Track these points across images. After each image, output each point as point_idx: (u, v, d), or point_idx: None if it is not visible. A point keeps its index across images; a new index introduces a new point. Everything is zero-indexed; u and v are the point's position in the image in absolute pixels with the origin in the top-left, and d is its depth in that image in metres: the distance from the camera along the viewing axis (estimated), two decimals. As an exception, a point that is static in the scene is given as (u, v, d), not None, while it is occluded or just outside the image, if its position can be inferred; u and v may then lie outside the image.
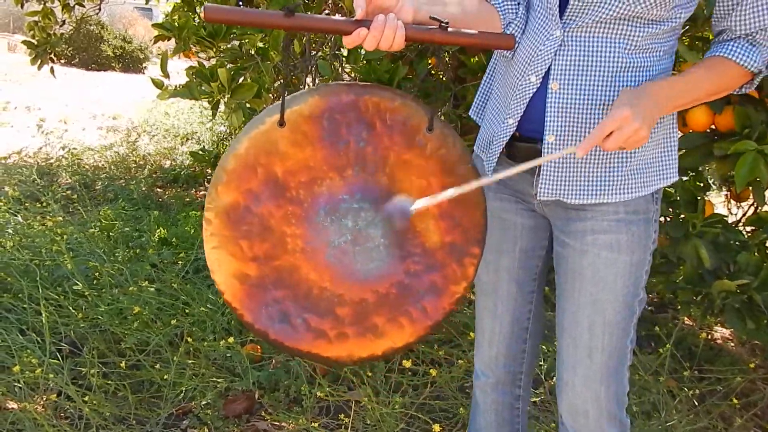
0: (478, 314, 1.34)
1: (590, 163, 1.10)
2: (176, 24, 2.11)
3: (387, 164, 0.98)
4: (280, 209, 0.96)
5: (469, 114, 1.32)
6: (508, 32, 1.14)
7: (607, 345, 1.14)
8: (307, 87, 2.57)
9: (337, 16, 0.95)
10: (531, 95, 1.10)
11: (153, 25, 2.02)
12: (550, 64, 1.08)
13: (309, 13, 2.17)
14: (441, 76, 2.70)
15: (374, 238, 0.99)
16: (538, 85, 1.09)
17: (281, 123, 0.94)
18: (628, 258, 1.12)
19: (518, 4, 1.17)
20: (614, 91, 1.06)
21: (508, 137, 1.14)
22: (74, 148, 4.88)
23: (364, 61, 2.08)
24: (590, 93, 1.06)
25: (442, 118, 2.63)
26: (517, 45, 1.13)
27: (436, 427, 1.60)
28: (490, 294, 1.29)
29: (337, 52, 2.39)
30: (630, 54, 1.06)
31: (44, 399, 1.76)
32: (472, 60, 2.54)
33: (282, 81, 2.37)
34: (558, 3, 1.08)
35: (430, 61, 2.51)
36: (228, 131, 5.60)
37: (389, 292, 1.02)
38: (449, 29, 0.95)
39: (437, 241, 1.02)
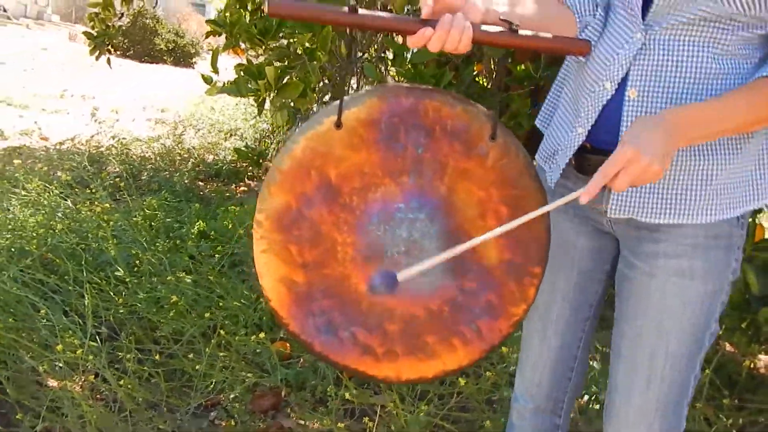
0: (526, 335, 1.26)
1: (670, 178, 1.00)
2: (228, 21, 2.15)
3: (445, 172, 0.93)
4: (333, 215, 0.92)
5: (536, 123, 1.25)
6: (584, 36, 1.06)
7: (668, 375, 1.06)
8: (353, 89, 2.59)
9: (401, 15, 0.92)
10: (605, 103, 1.02)
11: (206, 21, 2.07)
12: (629, 70, 0.99)
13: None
14: (486, 84, 2.68)
15: (429, 250, 0.93)
16: (613, 93, 1.01)
17: (338, 124, 0.90)
18: (701, 287, 1.03)
19: (596, 5, 1.08)
20: (700, 100, 0.97)
21: (575, 148, 1.06)
22: (123, 138, 5.02)
23: (410, 65, 2.08)
24: (673, 102, 0.97)
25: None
26: (592, 49, 1.05)
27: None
28: (541, 315, 1.21)
29: (382, 55, 2.39)
30: (719, 60, 0.97)
31: (83, 380, 1.81)
32: (518, 68, 2.51)
33: (336, 81, 2.39)
34: (641, 3, 0.99)
35: (475, 68, 2.49)
36: (271, 129, 5.68)
37: (442, 310, 0.96)
38: (519, 32, 0.89)
39: (495, 257, 0.96)
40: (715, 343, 2.66)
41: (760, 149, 1.05)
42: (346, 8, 0.85)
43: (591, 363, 2.25)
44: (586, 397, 2.10)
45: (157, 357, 1.93)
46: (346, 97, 0.92)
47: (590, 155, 1.06)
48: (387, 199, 0.92)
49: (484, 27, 0.89)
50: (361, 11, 0.86)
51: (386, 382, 1.01)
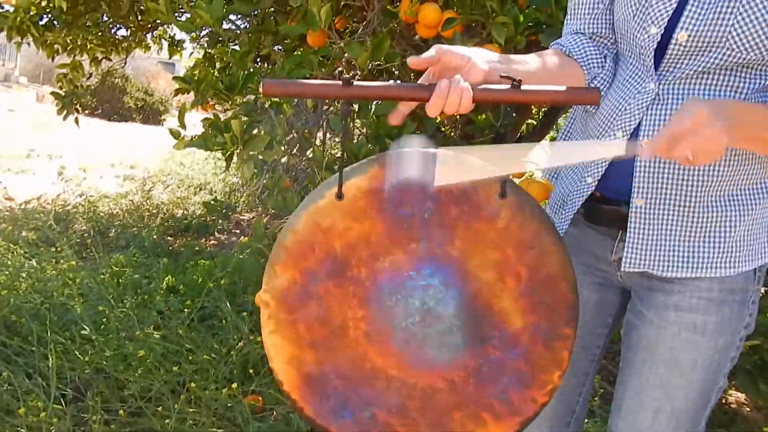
0: None
1: (687, 229, 0.97)
2: (196, 78, 2.20)
3: (456, 236, 0.88)
4: (340, 289, 0.89)
5: (542, 173, 1.24)
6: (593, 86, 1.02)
7: None
8: (319, 140, 2.63)
9: (399, 82, 0.90)
10: None
11: (174, 78, 2.11)
12: (641, 120, 0.96)
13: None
14: (450, 133, 2.76)
15: (445, 318, 0.89)
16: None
17: (339, 196, 0.88)
18: (712, 343, 0.99)
19: (605, 57, 1.05)
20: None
21: (585, 197, 1.03)
22: (91, 196, 4.98)
23: (374, 116, 2.15)
24: None
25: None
26: (602, 99, 1.03)
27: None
28: None
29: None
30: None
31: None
32: (479, 118, 2.60)
33: (298, 141, 2.44)
34: (653, 53, 0.96)
35: (438, 118, 2.58)
36: (240, 182, 5.70)
37: (467, 382, 0.90)
38: (523, 87, 0.86)
39: (519, 322, 0.90)
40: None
41: None
42: (340, 82, 0.84)
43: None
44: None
45: (123, 416, 1.88)
46: (347, 168, 0.90)
47: (602, 205, 1.03)
48: (396, 268, 0.89)
49: (485, 86, 0.87)
50: (355, 84, 0.85)
51: None
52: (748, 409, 2.64)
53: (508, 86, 0.86)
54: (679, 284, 1.00)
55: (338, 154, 3.08)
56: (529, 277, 0.89)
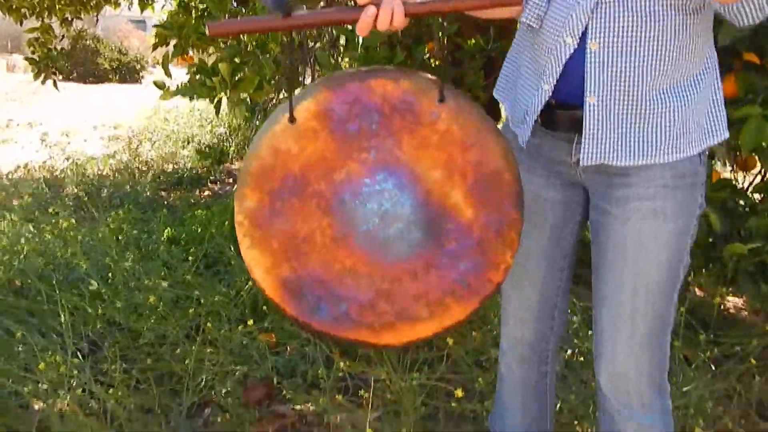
0: (505, 291, 1.31)
1: (636, 121, 1.05)
2: (176, 24, 2.14)
3: (403, 142, 0.97)
4: (304, 203, 0.98)
5: (494, 95, 1.28)
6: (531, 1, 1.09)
7: (650, 311, 1.11)
8: (308, 78, 2.59)
9: (336, 7, 0.96)
10: (568, 57, 1.05)
11: (154, 26, 2.05)
12: (587, 24, 1.03)
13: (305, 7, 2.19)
14: (437, 61, 2.72)
15: (402, 217, 0.98)
16: (575, 47, 1.04)
17: (291, 120, 0.96)
18: (672, 225, 1.08)
19: None
20: (660, 47, 1.01)
21: (542, 104, 1.10)
22: (78, 159, 4.91)
23: (362, 49, 2.10)
24: (634, 50, 1.01)
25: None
26: (547, 8, 1.08)
27: (459, 392, 1.62)
28: (518, 271, 1.24)
29: (335, 42, 2.40)
30: (676, 9, 1.00)
31: (69, 397, 1.78)
32: (469, 42, 2.55)
33: (287, 77, 2.39)
34: None
35: (427, 47, 2.53)
36: (228, 131, 5.62)
37: (428, 272, 1.00)
38: None
39: (470, 214, 0.99)
40: (685, 287, 2.77)
41: (713, 86, 1.11)
42: (280, 14, 0.89)
43: (572, 317, 2.32)
44: (569, 351, 2.16)
45: (144, 363, 1.91)
46: (296, 93, 0.98)
47: (558, 110, 1.10)
48: (352, 178, 0.97)
49: (415, 1, 0.92)
50: (295, 14, 0.89)
51: (389, 348, 1.06)
52: (746, 312, 2.72)
53: None
54: (635, 175, 1.08)
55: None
56: (474, 172, 0.98)
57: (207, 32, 0.91)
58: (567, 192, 1.21)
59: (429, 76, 1.00)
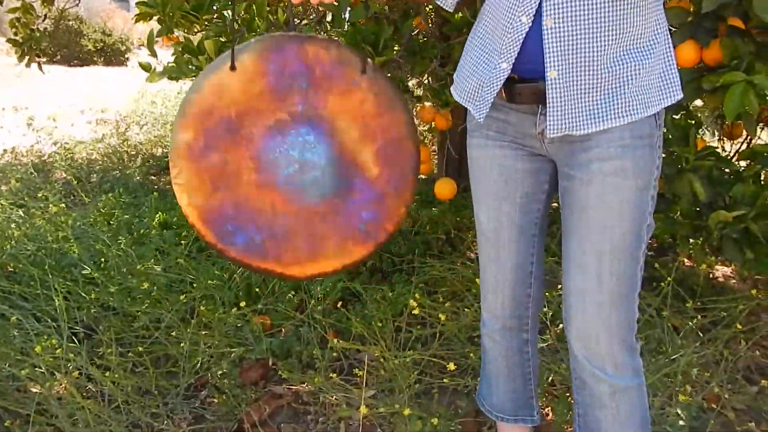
0: (482, 262, 1.35)
1: (594, 89, 1.09)
2: (159, 1, 2.10)
3: (328, 102, 1.11)
4: (235, 144, 1.10)
5: (455, 76, 1.29)
6: None
7: (615, 270, 1.14)
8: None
9: None
10: (524, 36, 1.09)
11: (137, 4, 2.02)
12: (541, 1, 1.07)
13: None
14: (424, 37, 2.70)
15: (318, 166, 1.13)
16: (531, 25, 1.08)
17: (232, 67, 1.06)
18: (633, 183, 1.12)
19: None
20: (611, 17, 1.05)
21: (502, 81, 1.13)
22: (66, 143, 4.87)
23: (349, 25, 2.08)
24: (587, 23, 1.05)
25: (429, 78, 2.63)
26: None
27: (451, 365, 1.64)
28: (492, 242, 1.30)
29: (321, 19, 2.38)
30: None
31: (66, 380, 1.80)
32: (456, 16, 2.53)
33: (229, 30, 2.36)
34: None
35: (414, 22, 2.51)
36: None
37: (336, 217, 1.16)
38: None
39: (376, 171, 1.15)
40: (673, 260, 2.81)
41: (665, 49, 1.14)
42: None
43: (561, 290, 2.35)
44: (561, 325, 2.19)
45: (140, 346, 1.93)
46: (239, 46, 1.09)
47: (518, 84, 1.14)
48: (281, 126, 1.11)
49: None
50: None
51: (293, 279, 1.18)
52: (734, 281, 2.76)
53: None
54: (596, 139, 1.13)
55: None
56: (383, 137, 1.14)
57: None
58: (535, 163, 1.25)
59: (356, 50, 1.14)
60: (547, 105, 1.10)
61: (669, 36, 1.15)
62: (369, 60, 1.11)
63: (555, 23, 1.06)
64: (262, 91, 1.09)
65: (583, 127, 1.11)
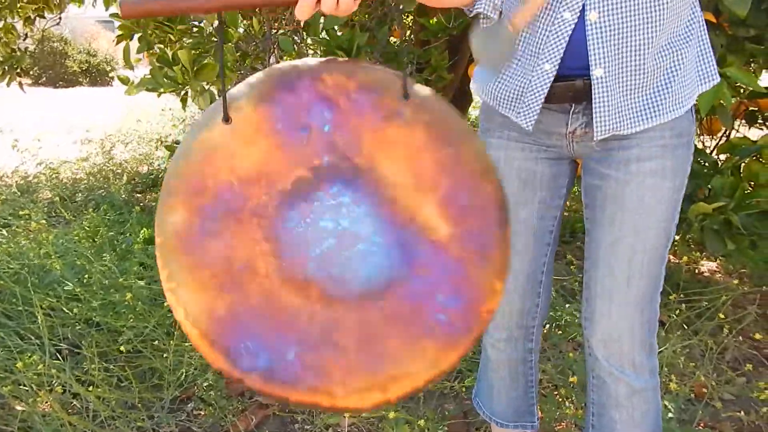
0: None
1: (641, 85, 1.04)
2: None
3: (362, 145, 0.80)
4: (243, 223, 0.79)
5: (471, 84, 1.23)
6: None
7: (645, 272, 1.11)
8: (272, 64, 2.57)
9: None
10: (570, 34, 1.01)
11: (111, 15, 2.02)
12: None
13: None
14: (402, 43, 2.71)
15: (364, 237, 0.80)
16: (576, 21, 1.00)
17: (225, 119, 0.78)
18: (671, 184, 1.08)
19: None
20: (656, 7, 0.99)
21: (548, 85, 1.05)
22: (51, 163, 4.85)
23: (324, 32, 2.10)
24: (633, 13, 0.99)
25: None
26: None
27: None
28: None
29: (297, 29, 2.39)
30: None
31: (50, 397, 1.78)
32: (431, 22, 2.55)
33: (220, 64, 2.37)
34: None
35: (391, 28, 2.53)
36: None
37: (400, 306, 0.79)
38: None
39: (446, 231, 0.80)
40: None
41: (701, 34, 1.09)
42: None
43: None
44: (547, 325, 2.20)
45: (122, 353, 1.91)
46: (231, 89, 0.81)
47: (555, 83, 1.06)
48: (302, 190, 0.80)
49: None
50: None
51: (355, 412, 0.82)
52: (719, 275, 2.78)
53: None
54: (637, 138, 1.08)
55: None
56: (447, 180, 0.80)
57: (120, 13, 0.76)
58: (555, 166, 1.20)
59: (390, 68, 0.84)
60: (594, 105, 1.04)
61: (702, 17, 1.09)
62: (411, 80, 0.82)
63: (600, 17, 0.99)
64: (270, 145, 0.79)
65: (630, 125, 1.06)
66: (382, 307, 0.79)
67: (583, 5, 1.00)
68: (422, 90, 0.83)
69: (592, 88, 1.03)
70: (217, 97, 2.12)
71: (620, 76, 1.02)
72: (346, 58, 0.87)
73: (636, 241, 1.10)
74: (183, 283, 0.78)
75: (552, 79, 1.05)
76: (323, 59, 0.83)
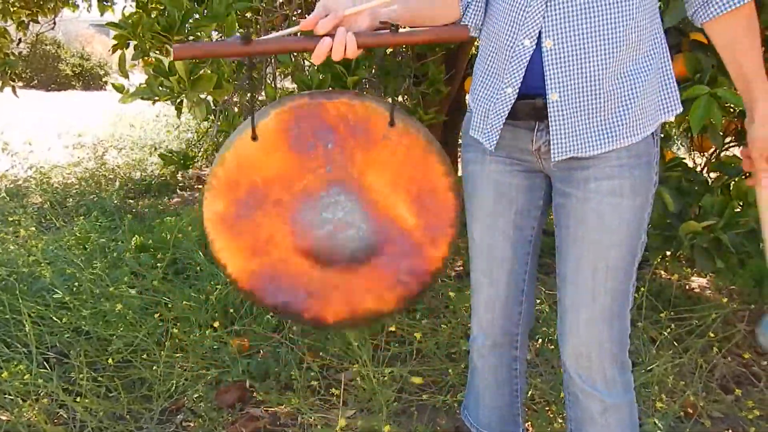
0: (474, 278, 1.33)
1: (597, 110, 1.09)
2: (130, 21, 2.10)
3: (356, 161, 1.08)
4: (267, 212, 1.10)
5: (468, 101, 1.29)
6: (469, 12, 1.18)
7: (610, 288, 1.14)
8: (269, 75, 2.58)
9: (292, 35, 1.02)
10: (528, 60, 1.09)
11: (107, 24, 2.02)
12: (541, 23, 1.06)
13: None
14: (399, 56, 2.73)
15: (354, 225, 1.11)
16: (534, 48, 1.08)
17: (254, 137, 1.05)
18: (631, 202, 1.12)
19: None
20: (612, 32, 1.04)
21: (509, 108, 1.13)
22: (42, 167, 4.82)
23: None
24: (588, 42, 1.05)
25: (404, 98, 2.66)
26: (500, 12, 1.12)
27: (417, 380, 1.62)
28: (486, 257, 1.28)
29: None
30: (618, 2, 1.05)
31: (36, 406, 1.76)
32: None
33: (247, 101, 2.38)
34: None
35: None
36: (196, 137, 5.57)
37: (373, 271, 1.13)
38: (400, 30, 1.00)
39: (412, 223, 1.12)
40: (651, 273, 2.84)
41: (663, 60, 1.13)
42: (239, 40, 0.97)
43: (541, 306, 2.36)
44: (540, 339, 2.20)
45: (111, 364, 1.89)
46: (257, 111, 1.08)
47: (518, 101, 1.13)
48: (310, 190, 1.10)
49: (367, 33, 1.01)
50: (254, 40, 0.97)
51: (340, 325, 1.18)
52: (709, 291, 2.80)
53: (387, 31, 1.00)
54: (594, 159, 1.12)
55: (290, 89, 3.03)
56: (417, 188, 1.11)
57: (173, 56, 0.98)
58: (530, 178, 1.24)
59: (382, 100, 1.10)
60: (550, 128, 1.10)
61: (666, 44, 1.14)
62: (398, 109, 1.07)
63: (555, 44, 1.06)
64: (287, 156, 1.07)
65: (587, 149, 1.10)
66: (363, 272, 1.14)
67: (540, 33, 1.06)
68: (405, 117, 1.09)
69: (548, 111, 1.09)
70: (213, 107, 2.12)
71: (575, 100, 1.07)
72: (347, 90, 1.12)
73: (598, 258, 1.13)
74: (227, 251, 1.11)
75: (513, 101, 1.12)
76: (329, 90, 1.11)
